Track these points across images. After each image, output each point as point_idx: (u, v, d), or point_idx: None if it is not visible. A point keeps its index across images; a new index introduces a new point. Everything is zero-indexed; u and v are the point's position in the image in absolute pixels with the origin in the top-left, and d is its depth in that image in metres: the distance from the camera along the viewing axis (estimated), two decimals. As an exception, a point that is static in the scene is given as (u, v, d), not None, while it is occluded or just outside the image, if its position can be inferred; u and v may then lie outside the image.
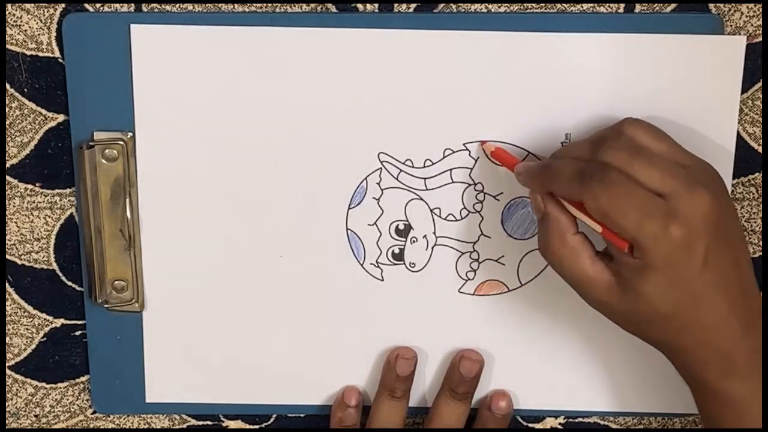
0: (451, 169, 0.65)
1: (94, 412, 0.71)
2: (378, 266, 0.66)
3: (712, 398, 0.57)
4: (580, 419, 0.70)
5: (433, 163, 0.65)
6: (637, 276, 0.55)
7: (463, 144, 0.64)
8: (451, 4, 0.63)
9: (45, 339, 0.69)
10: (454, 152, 0.64)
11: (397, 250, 0.66)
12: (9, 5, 0.62)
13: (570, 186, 0.56)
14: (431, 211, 0.66)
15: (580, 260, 0.57)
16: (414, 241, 0.66)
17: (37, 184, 0.66)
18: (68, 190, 0.66)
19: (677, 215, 0.53)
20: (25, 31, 0.63)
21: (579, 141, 0.59)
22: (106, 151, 0.64)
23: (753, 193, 0.66)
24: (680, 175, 0.54)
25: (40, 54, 0.63)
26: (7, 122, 0.64)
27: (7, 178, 0.66)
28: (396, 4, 0.63)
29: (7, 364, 0.69)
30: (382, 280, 0.67)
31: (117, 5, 0.63)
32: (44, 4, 0.62)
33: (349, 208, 0.66)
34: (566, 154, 0.59)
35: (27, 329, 0.69)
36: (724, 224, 0.54)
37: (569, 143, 0.60)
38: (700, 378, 0.57)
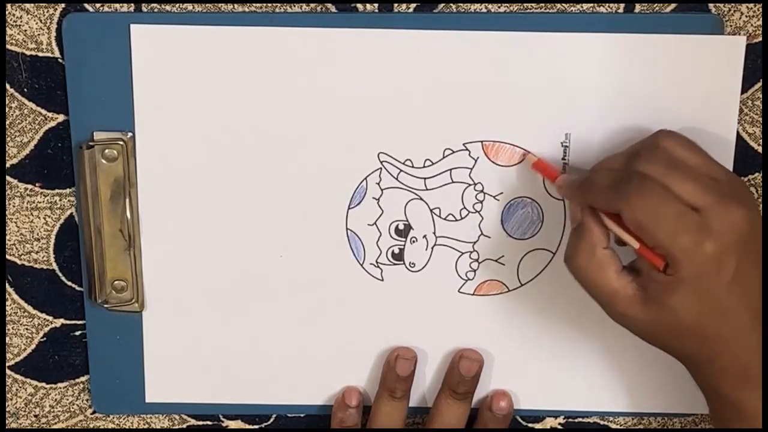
0: (451, 169, 0.65)
1: (93, 412, 0.71)
2: (378, 266, 0.66)
3: (726, 406, 0.57)
4: (580, 419, 0.70)
5: (433, 163, 0.65)
6: (664, 289, 0.55)
7: (463, 144, 0.64)
8: (451, 4, 0.63)
9: (45, 339, 0.69)
10: (454, 152, 0.64)
11: (396, 250, 0.66)
12: (9, 5, 0.62)
13: (607, 196, 0.56)
14: (431, 211, 0.66)
15: (605, 273, 0.57)
16: (414, 241, 0.66)
17: (37, 184, 0.66)
18: (68, 190, 0.66)
19: (711, 230, 0.53)
20: (25, 31, 0.63)
21: (615, 154, 0.59)
22: (106, 151, 0.64)
23: (753, 193, 0.66)
24: (714, 190, 0.54)
25: (40, 54, 0.63)
26: (7, 122, 0.64)
27: (7, 178, 0.66)
28: (396, 4, 0.63)
29: (7, 364, 0.69)
30: (382, 280, 0.67)
31: (117, 5, 0.63)
32: (44, 4, 0.62)
33: (349, 208, 0.66)
34: (603, 166, 0.59)
35: (27, 329, 0.69)
36: (754, 239, 0.55)
37: (605, 157, 0.60)
38: (716, 387, 0.57)
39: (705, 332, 0.55)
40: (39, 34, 0.63)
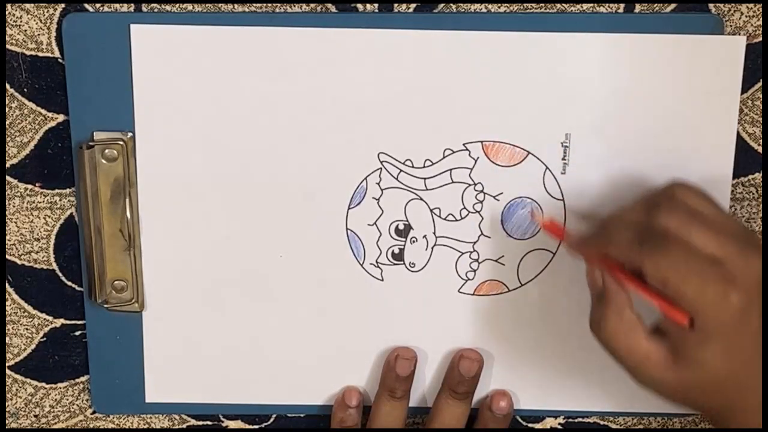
0: (451, 169, 0.65)
1: (93, 412, 0.71)
2: (378, 266, 0.67)
3: None
4: (580, 419, 0.70)
5: (433, 163, 0.65)
6: (694, 346, 0.54)
7: (463, 144, 0.64)
8: (451, 4, 0.63)
9: (45, 339, 0.69)
10: (454, 152, 0.64)
11: (396, 250, 0.66)
12: (9, 5, 0.62)
13: (629, 250, 0.55)
14: (431, 211, 0.66)
15: (635, 337, 0.56)
16: (414, 241, 0.66)
17: (37, 184, 0.66)
18: (68, 190, 0.66)
19: (735, 281, 0.53)
20: (25, 31, 0.63)
21: (630, 205, 0.58)
22: (106, 151, 0.64)
23: (753, 193, 0.66)
24: (732, 239, 0.54)
25: (40, 54, 0.63)
26: (7, 122, 0.65)
27: (7, 178, 0.66)
28: (396, 4, 0.63)
29: (7, 364, 0.69)
30: (382, 280, 0.67)
31: (117, 5, 0.63)
32: (44, 4, 0.62)
33: (349, 208, 0.66)
34: (619, 218, 0.58)
35: (27, 329, 0.69)
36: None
37: (619, 208, 0.59)
38: None
39: (735, 384, 0.55)
40: (39, 34, 0.63)
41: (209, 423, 0.71)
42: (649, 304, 0.55)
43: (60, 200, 0.66)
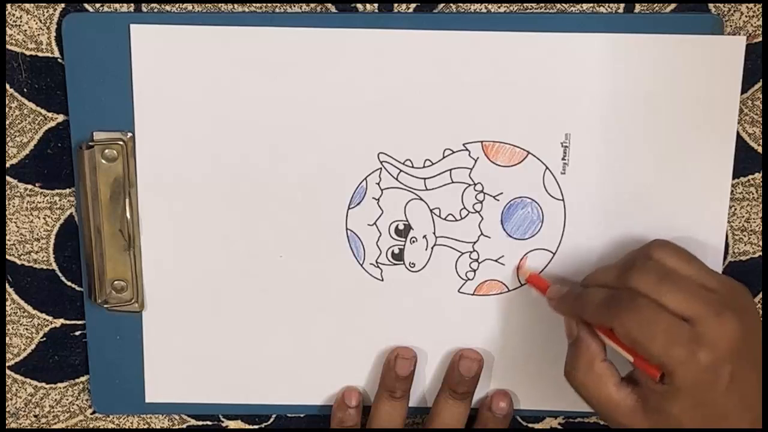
0: (450, 169, 0.65)
1: (93, 412, 0.71)
2: (378, 266, 0.67)
3: None
4: (580, 419, 0.70)
5: (432, 163, 0.65)
6: (663, 399, 0.55)
7: (463, 144, 0.64)
8: (451, 4, 0.63)
9: (45, 339, 0.69)
10: (454, 152, 0.64)
11: (396, 250, 0.66)
12: (9, 5, 0.62)
13: (599, 313, 0.57)
14: (431, 211, 0.66)
15: (605, 387, 0.58)
16: (414, 241, 0.66)
17: (36, 184, 0.66)
18: (68, 190, 0.66)
19: (704, 341, 0.54)
20: (25, 31, 0.63)
21: (608, 265, 0.60)
22: (106, 151, 0.64)
23: (753, 193, 0.66)
24: (707, 300, 0.55)
25: (40, 54, 0.63)
26: (7, 122, 0.65)
27: (7, 178, 0.66)
28: (396, 4, 0.63)
29: (6, 364, 0.69)
30: (382, 280, 0.67)
31: (117, 5, 0.63)
32: (44, 4, 0.62)
33: (348, 208, 0.66)
34: (596, 280, 0.60)
35: (27, 329, 0.69)
36: (750, 346, 0.55)
37: (599, 268, 0.61)
38: None
39: None
40: (39, 34, 0.63)
41: (209, 423, 0.71)
42: (623, 356, 0.57)
43: (60, 200, 0.66)
